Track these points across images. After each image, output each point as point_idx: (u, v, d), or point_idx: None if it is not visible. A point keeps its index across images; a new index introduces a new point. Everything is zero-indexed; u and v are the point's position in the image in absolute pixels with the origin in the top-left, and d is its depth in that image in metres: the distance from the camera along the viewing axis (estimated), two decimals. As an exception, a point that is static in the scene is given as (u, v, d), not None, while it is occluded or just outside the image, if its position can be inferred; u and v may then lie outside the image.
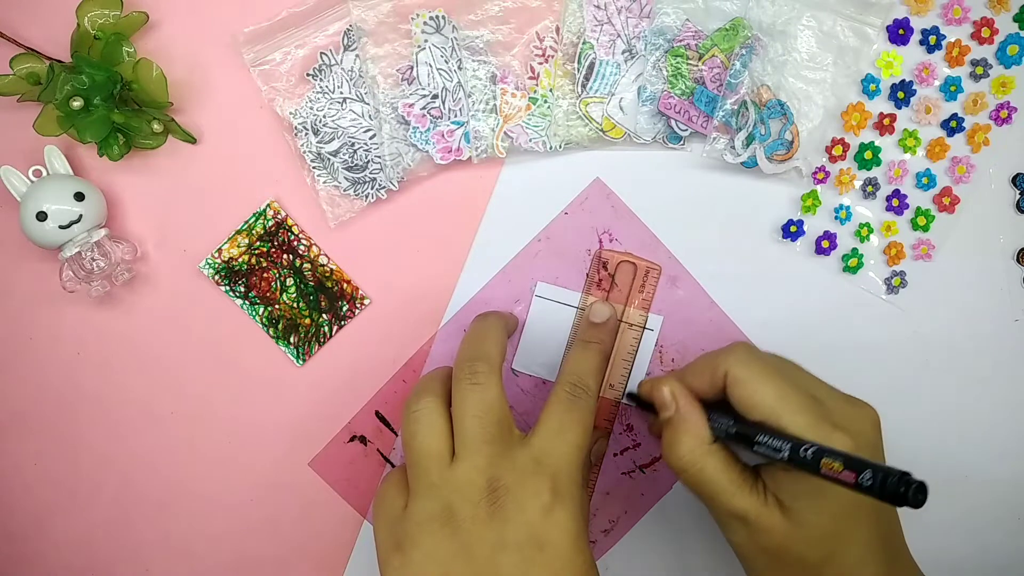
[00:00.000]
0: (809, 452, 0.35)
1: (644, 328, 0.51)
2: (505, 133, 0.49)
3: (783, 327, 0.51)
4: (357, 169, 0.49)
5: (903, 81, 0.49)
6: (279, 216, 0.50)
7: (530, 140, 0.49)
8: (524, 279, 0.51)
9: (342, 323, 0.51)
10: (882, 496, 0.31)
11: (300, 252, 0.50)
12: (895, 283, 0.51)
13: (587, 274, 0.50)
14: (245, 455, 0.52)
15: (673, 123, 0.49)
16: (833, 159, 0.50)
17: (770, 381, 0.39)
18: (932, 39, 0.49)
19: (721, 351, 0.42)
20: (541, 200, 0.51)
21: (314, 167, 0.49)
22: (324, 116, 0.48)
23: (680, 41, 0.49)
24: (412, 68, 0.48)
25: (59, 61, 0.46)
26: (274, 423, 0.51)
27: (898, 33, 0.49)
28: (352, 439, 0.52)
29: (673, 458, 0.42)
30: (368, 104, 0.49)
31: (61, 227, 0.46)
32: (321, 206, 0.49)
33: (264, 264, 0.50)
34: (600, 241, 0.51)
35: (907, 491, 0.30)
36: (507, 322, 0.48)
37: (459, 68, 0.48)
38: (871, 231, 0.51)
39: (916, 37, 0.49)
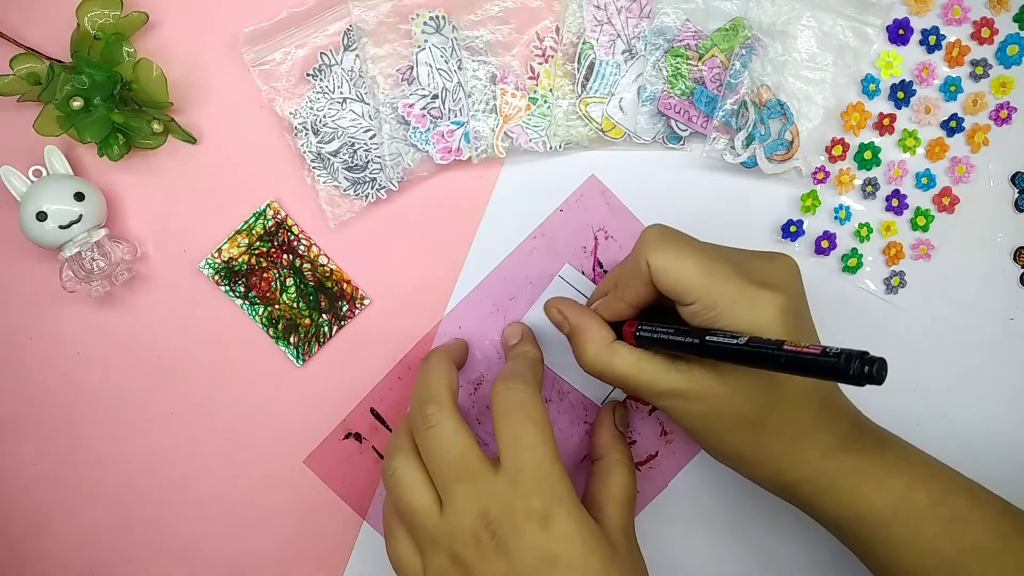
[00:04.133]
0: (766, 340, 0.35)
1: None
2: (505, 133, 0.49)
3: (783, 327, 0.51)
4: (357, 169, 0.49)
5: (903, 81, 0.49)
6: (279, 216, 0.50)
7: (530, 140, 0.49)
8: (519, 276, 0.51)
9: (342, 323, 0.51)
10: (847, 373, 0.30)
11: (300, 252, 0.50)
12: (894, 283, 0.51)
13: None
14: (245, 455, 0.52)
15: (673, 123, 0.49)
16: (833, 159, 0.50)
17: (689, 259, 0.39)
18: (932, 39, 0.49)
19: (636, 246, 0.41)
20: (541, 200, 0.51)
21: (314, 167, 0.49)
22: (324, 116, 0.48)
23: (680, 41, 0.49)
24: (412, 68, 0.48)
25: (59, 61, 0.46)
26: (274, 423, 0.51)
27: (898, 33, 0.49)
28: (347, 436, 0.52)
29: (583, 365, 0.42)
30: (368, 104, 0.49)
31: (61, 227, 0.46)
32: (321, 206, 0.49)
33: (264, 264, 0.50)
34: (596, 238, 0.51)
35: (872, 368, 0.30)
36: (453, 352, 0.48)
37: (459, 68, 0.48)
38: (871, 231, 0.51)
39: (916, 37, 0.49)
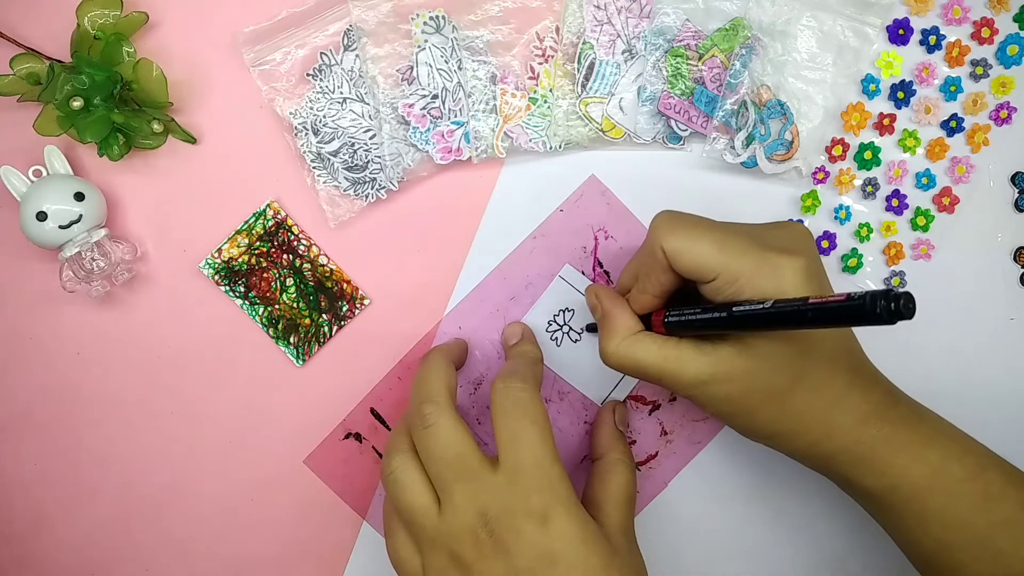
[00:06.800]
0: (791, 299, 0.35)
1: None
2: (505, 133, 0.49)
3: (783, 327, 0.51)
4: (357, 169, 0.49)
5: (903, 81, 0.49)
6: (279, 216, 0.50)
7: (530, 140, 0.49)
8: (519, 276, 0.51)
9: (342, 323, 0.51)
10: (875, 312, 0.30)
11: (300, 252, 0.50)
12: (894, 283, 0.51)
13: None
14: (245, 455, 0.52)
15: (673, 123, 0.49)
16: (833, 159, 0.50)
17: (704, 237, 0.39)
18: (932, 39, 0.49)
19: (648, 235, 0.41)
20: (541, 200, 0.51)
21: (314, 167, 0.49)
22: (324, 116, 0.48)
23: (680, 41, 0.49)
24: (412, 68, 0.48)
25: (59, 61, 0.46)
26: (274, 423, 0.51)
27: (898, 33, 0.49)
28: (347, 436, 0.52)
29: (604, 357, 0.42)
30: (368, 104, 0.49)
31: (61, 227, 0.46)
32: (321, 206, 0.49)
33: (264, 264, 0.50)
34: (596, 238, 0.51)
35: (899, 304, 0.30)
36: (452, 352, 0.48)
37: (459, 68, 0.48)
38: (871, 231, 0.51)
39: (916, 37, 0.49)
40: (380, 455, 0.52)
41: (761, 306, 0.36)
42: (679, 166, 0.51)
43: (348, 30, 0.48)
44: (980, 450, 0.42)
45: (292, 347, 0.51)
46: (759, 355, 0.39)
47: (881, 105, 0.50)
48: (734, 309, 0.37)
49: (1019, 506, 0.41)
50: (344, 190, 0.49)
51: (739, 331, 0.39)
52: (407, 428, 0.43)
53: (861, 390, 0.41)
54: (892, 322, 0.30)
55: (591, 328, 0.51)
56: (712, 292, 0.39)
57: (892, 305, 0.30)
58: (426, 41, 0.48)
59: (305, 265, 0.50)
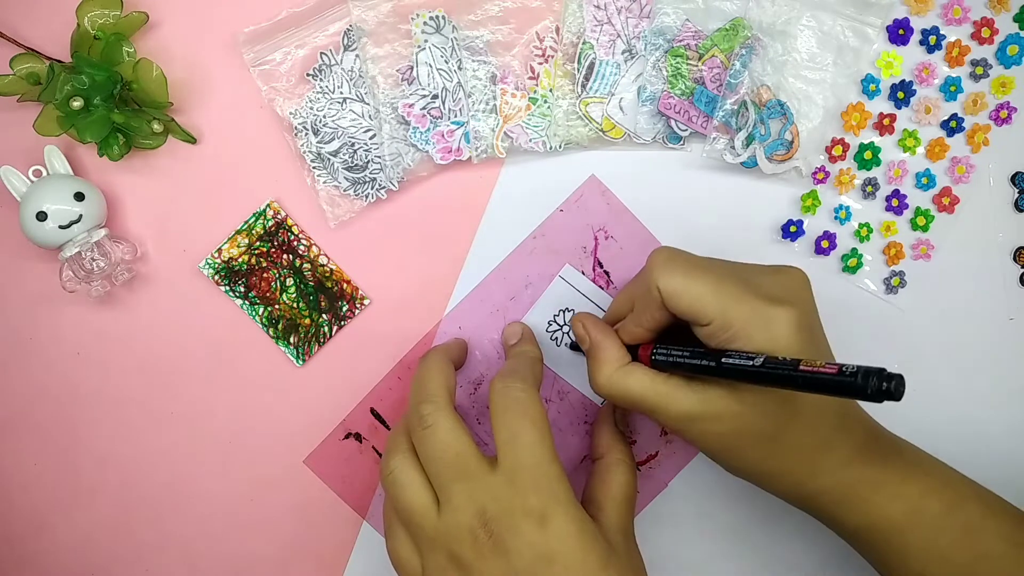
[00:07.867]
0: (782, 359, 0.35)
1: None
2: (505, 133, 0.49)
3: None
4: (357, 169, 0.49)
5: (903, 81, 0.49)
6: (279, 216, 0.50)
7: (530, 140, 0.49)
8: (519, 276, 0.51)
9: (342, 323, 0.51)
10: (865, 391, 0.30)
11: (300, 252, 0.50)
12: (894, 283, 0.51)
13: None
14: (245, 456, 0.52)
15: (673, 123, 0.49)
16: (833, 159, 0.50)
17: (700, 280, 0.39)
18: (932, 39, 0.49)
19: (643, 270, 0.41)
20: (541, 200, 0.51)
21: (314, 167, 0.49)
22: (324, 116, 0.48)
23: (680, 41, 0.49)
24: (412, 68, 0.48)
25: (59, 61, 0.46)
26: (274, 424, 0.51)
27: (898, 33, 0.49)
28: (347, 436, 0.52)
29: (596, 387, 0.43)
30: (368, 104, 0.49)
31: (61, 227, 0.46)
32: (321, 206, 0.49)
33: (264, 264, 0.50)
34: (596, 239, 0.51)
35: (890, 385, 0.30)
36: (452, 351, 0.48)
37: (459, 68, 0.48)
38: (871, 231, 0.51)
39: (916, 37, 0.49)
40: (380, 455, 0.52)
41: (751, 363, 0.36)
42: (679, 166, 0.51)
43: (348, 30, 0.48)
44: (959, 482, 0.42)
45: (292, 347, 0.51)
46: (747, 401, 0.39)
47: (881, 105, 0.50)
48: (723, 360, 0.37)
49: (999, 537, 0.41)
50: (344, 190, 0.49)
51: (725, 380, 0.39)
52: (406, 428, 0.43)
53: (846, 434, 0.41)
54: (880, 400, 0.30)
55: (574, 347, 0.51)
56: (704, 335, 0.39)
57: (883, 385, 0.30)
58: (426, 41, 0.48)
59: (305, 265, 0.50)
